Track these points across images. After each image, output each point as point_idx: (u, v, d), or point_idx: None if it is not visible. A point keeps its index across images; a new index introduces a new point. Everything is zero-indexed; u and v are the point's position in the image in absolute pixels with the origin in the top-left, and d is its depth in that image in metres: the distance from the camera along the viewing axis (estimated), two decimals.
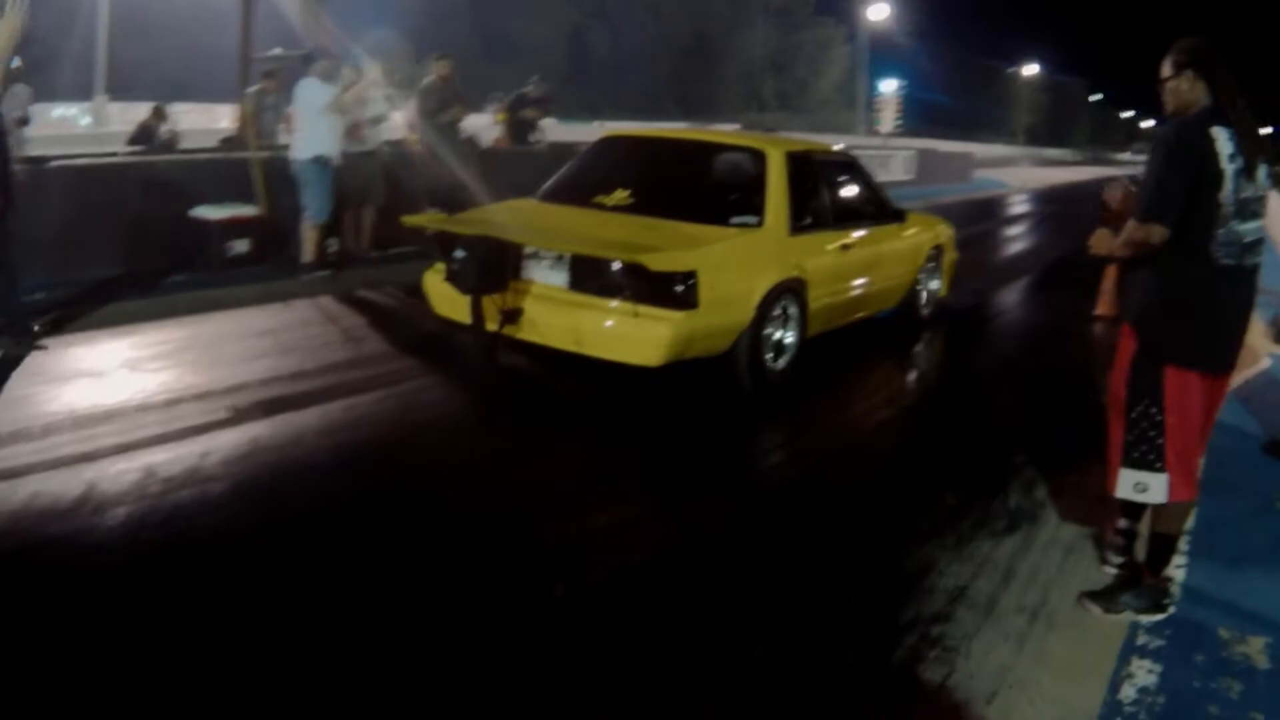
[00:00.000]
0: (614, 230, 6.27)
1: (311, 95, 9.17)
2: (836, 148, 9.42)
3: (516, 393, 6.51)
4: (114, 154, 11.29)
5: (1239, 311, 3.76)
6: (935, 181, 27.71)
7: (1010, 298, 11.53)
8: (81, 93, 22.91)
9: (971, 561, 4.27)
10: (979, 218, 20.60)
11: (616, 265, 5.79)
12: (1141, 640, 3.69)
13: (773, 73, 55.69)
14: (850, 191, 7.92)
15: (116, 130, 16.91)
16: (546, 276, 6.22)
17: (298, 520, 4.30)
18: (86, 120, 22.87)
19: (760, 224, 6.56)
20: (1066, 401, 6.89)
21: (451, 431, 5.65)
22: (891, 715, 3.20)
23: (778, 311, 6.52)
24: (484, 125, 16.02)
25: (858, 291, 7.54)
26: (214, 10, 18.77)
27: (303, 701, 3.06)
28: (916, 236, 8.54)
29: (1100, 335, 8.81)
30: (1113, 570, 4.17)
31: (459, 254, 6.03)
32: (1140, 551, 4.09)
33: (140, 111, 14.70)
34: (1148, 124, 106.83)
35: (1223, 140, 3.52)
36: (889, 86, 42.74)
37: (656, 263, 5.61)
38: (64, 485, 4.40)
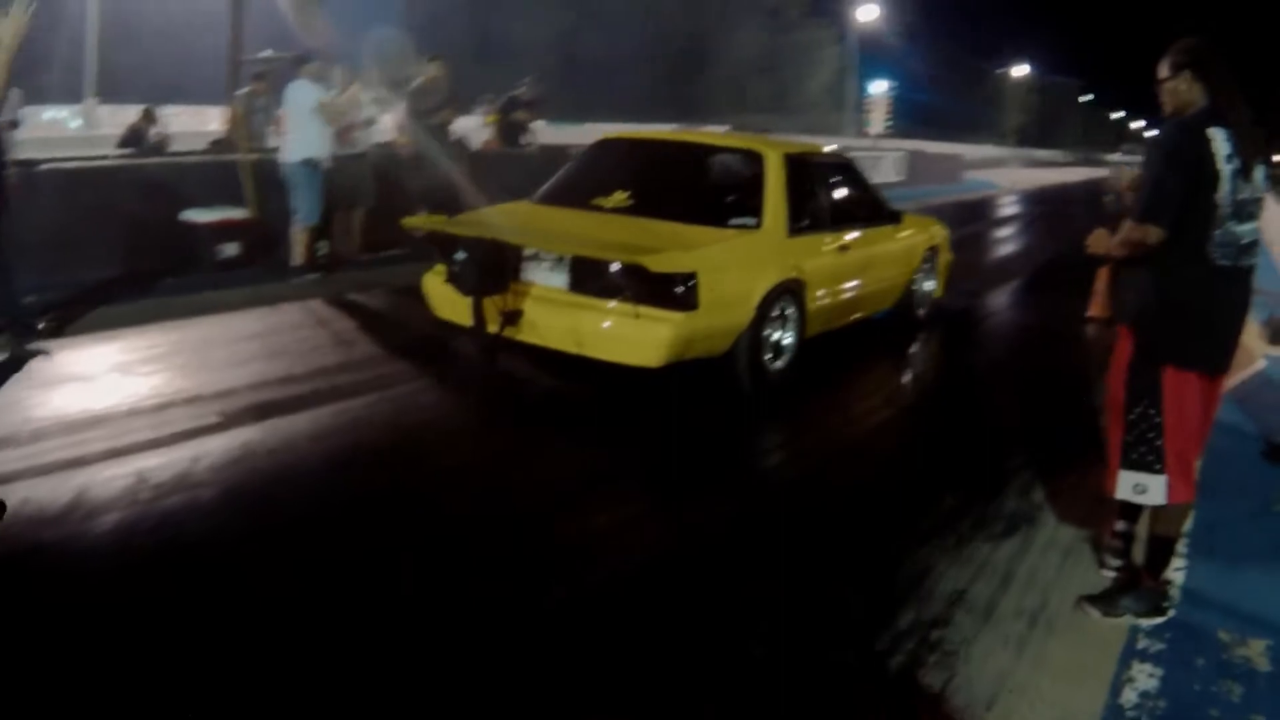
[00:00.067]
0: (613, 232, 6.27)
1: (302, 97, 9.13)
2: (827, 149, 9.42)
3: (514, 394, 6.49)
4: (104, 157, 11.22)
5: (1236, 312, 3.76)
6: (925, 183, 27.72)
7: (1003, 299, 11.53)
8: (71, 95, 22.80)
9: (970, 564, 4.25)
10: (970, 219, 20.60)
11: (617, 267, 5.78)
12: (1142, 644, 3.67)
13: (761, 74, 55.68)
14: (847, 193, 7.94)
15: (106, 133, 16.83)
16: (546, 278, 6.21)
17: (290, 525, 4.26)
18: (76, 123, 22.78)
19: (759, 225, 6.57)
20: (1061, 403, 6.91)
21: (447, 434, 5.61)
22: None
23: (776, 312, 6.52)
24: (474, 127, 15.97)
25: (855, 292, 7.54)
26: (204, 13, 18.68)
27: (300, 706, 3.03)
28: (912, 238, 8.55)
29: (1094, 336, 8.82)
30: (1111, 573, 4.15)
31: (460, 256, 6.03)
32: (1138, 554, 4.07)
33: (130, 114, 14.64)
34: (1138, 125, 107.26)
35: (1220, 141, 3.50)
36: (879, 88, 42.78)
37: (657, 264, 5.61)
38: (53, 491, 4.35)
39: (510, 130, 14.58)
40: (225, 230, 9.42)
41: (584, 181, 7.33)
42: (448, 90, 11.07)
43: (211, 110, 17.30)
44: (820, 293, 6.94)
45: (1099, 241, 3.85)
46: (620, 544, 4.33)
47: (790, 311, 6.67)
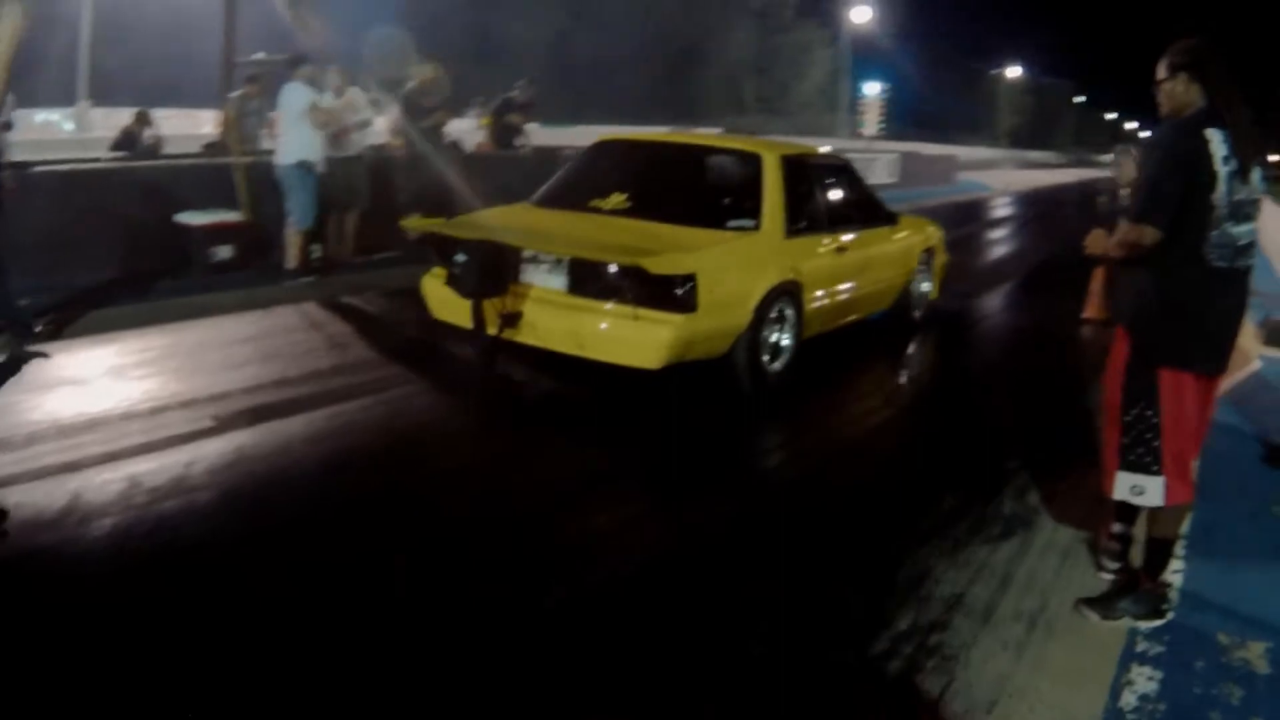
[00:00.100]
0: (612, 234, 6.28)
1: (295, 100, 9.10)
2: (822, 150, 9.43)
3: (512, 395, 6.50)
4: (97, 159, 11.20)
5: (1233, 313, 3.75)
6: (919, 184, 27.75)
7: (998, 301, 11.53)
8: (64, 98, 22.76)
9: (968, 567, 4.23)
10: (964, 220, 20.64)
11: (616, 269, 5.79)
12: (1141, 647, 3.67)
13: (755, 75, 55.73)
14: (843, 194, 7.94)
15: (100, 135, 16.79)
16: (545, 280, 6.21)
17: (287, 529, 4.24)
18: (70, 126, 22.73)
19: (757, 227, 6.57)
20: (1058, 404, 6.92)
21: (445, 436, 5.61)
22: None
23: (775, 314, 6.53)
24: (468, 129, 15.95)
25: (852, 294, 7.55)
26: (197, 15, 18.68)
27: (299, 708, 3.02)
28: (908, 239, 8.57)
29: (1089, 338, 8.82)
30: (1109, 576, 4.14)
31: (460, 258, 6.02)
32: (1136, 556, 4.07)
33: (123, 117, 14.61)
34: (1131, 126, 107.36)
35: (1217, 142, 3.49)
36: (873, 89, 42.85)
37: (657, 266, 5.61)
38: (48, 496, 4.33)
39: (504, 132, 14.54)
40: (219, 233, 9.40)
41: (582, 183, 7.33)
42: (447, 91, 11.04)
43: (205, 113, 17.31)
44: (818, 294, 6.95)
45: (1096, 242, 3.84)
46: (620, 544, 4.34)
47: (788, 313, 6.67)
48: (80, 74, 22.69)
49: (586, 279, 6.01)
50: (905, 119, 55.45)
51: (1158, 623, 3.79)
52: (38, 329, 6.72)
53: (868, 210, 8.10)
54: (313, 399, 5.90)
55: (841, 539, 4.52)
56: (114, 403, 5.58)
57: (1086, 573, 4.25)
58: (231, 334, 7.37)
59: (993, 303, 11.31)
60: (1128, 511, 4.06)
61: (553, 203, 7.21)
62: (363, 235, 10.20)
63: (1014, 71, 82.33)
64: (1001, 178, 41.27)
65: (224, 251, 9.40)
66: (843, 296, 7.41)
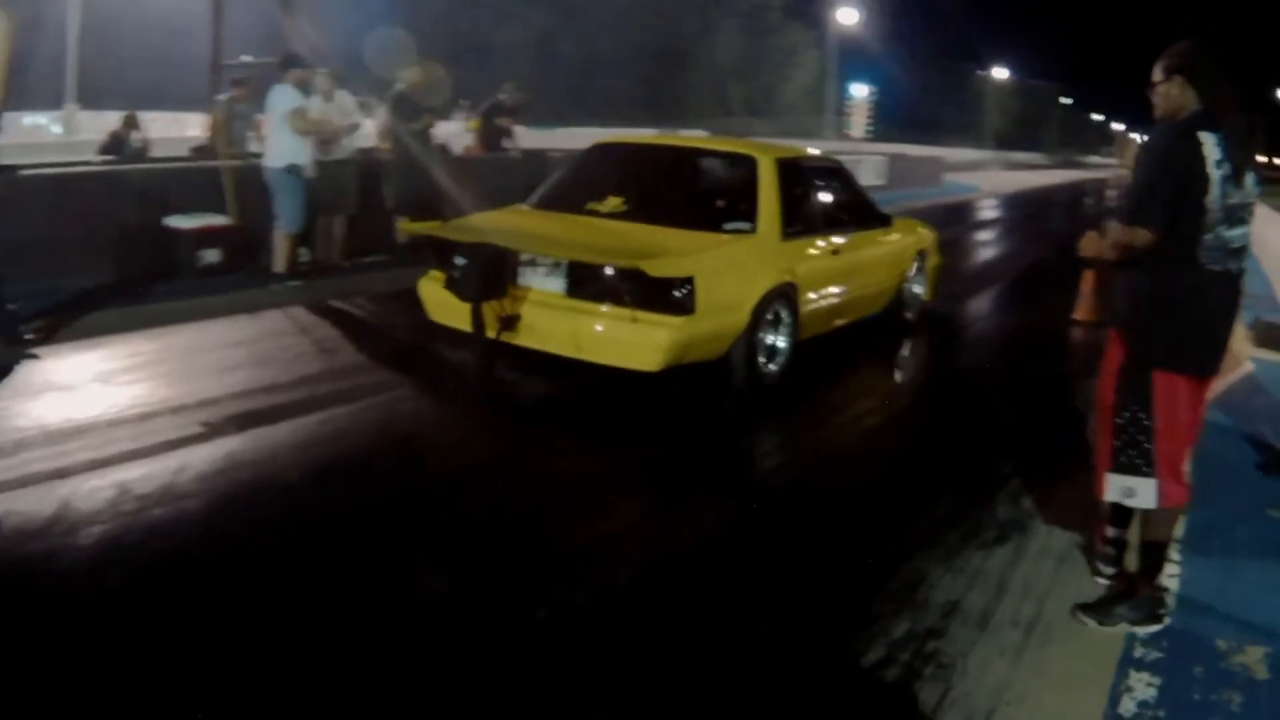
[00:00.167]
0: (610, 237, 6.31)
1: (283, 103, 9.05)
2: (811, 152, 9.43)
3: (511, 398, 6.49)
4: (85, 163, 11.14)
5: (1226, 315, 3.75)
6: (906, 186, 27.72)
7: (989, 303, 11.54)
8: (52, 101, 22.65)
9: (964, 573, 4.22)
10: (952, 222, 20.63)
11: (615, 271, 5.80)
12: (1139, 652, 3.65)
13: (742, 77, 55.71)
14: (838, 197, 7.96)
15: (87, 139, 16.71)
16: (544, 283, 6.21)
17: (276, 535, 4.21)
18: (57, 129, 22.62)
19: (754, 230, 6.58)
20: (1050, 405, 6.91)
21: (440, 439, 5.61)
22: None
23: (771, 316, 6.53)
24: (456, 132, 15.91)
25: (847, 296, 7.57)
26: (185, 18, 18.63)
27: (298, 711, 3.00)
28: (902, 241, 8.58)
29: (1081, 340, 8.83)
30: (1105, 581, 4.13)
31: (460, 261, 6.00)
32: (1131, 561, 4.05)
33: (111, 120, 14.54)
34: (1118, 127, 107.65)
35: (1210, 146, 3.48)
36: (860, 91, 42.88)
37: (655, 268, 5.62)
38: (36, 503, 4.28)
39: (492, 135, 14.50)
40: (207, 237, 9.34)
41: (579, 186, 7.35)
42: (447, 92, 11.00)
43: (192, 116, 17.22)
44: (813, 296, 6.97)
45: (1090, 245, 3.83)
46: (619, 545, 4.34)
47: (784, 315, 6.68)
48: (68, 77, 22.59)
49: (585, 281, 6.02)
50: (893, 121, 55.50)
51: (1155, 628, 3.78)
52: (28, 335, 6.65)
53: (862, 212, 8.12)
54: (303, 404, 5.86)
55: (837, 543, 4.51)
56: (102, 408, 5.54)
57: (1082, 578, 4.24)
58: (220, 338, 7.33)
59: (984, 305, 11.32)
60: (1122, 516, 4.05)
61: (550, 205, 7.21)
62: (351, 239, 10.15)
63: (1001, 73, 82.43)
64: (989, 179, 41.30)
65: (212, 255, 9.34)
66: (837, 299, 7.42)
